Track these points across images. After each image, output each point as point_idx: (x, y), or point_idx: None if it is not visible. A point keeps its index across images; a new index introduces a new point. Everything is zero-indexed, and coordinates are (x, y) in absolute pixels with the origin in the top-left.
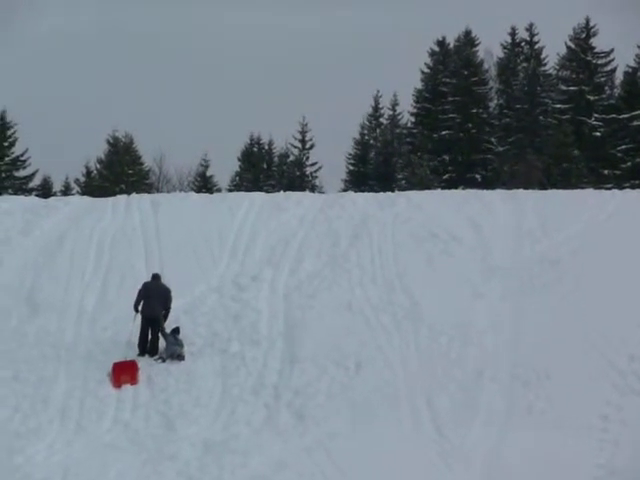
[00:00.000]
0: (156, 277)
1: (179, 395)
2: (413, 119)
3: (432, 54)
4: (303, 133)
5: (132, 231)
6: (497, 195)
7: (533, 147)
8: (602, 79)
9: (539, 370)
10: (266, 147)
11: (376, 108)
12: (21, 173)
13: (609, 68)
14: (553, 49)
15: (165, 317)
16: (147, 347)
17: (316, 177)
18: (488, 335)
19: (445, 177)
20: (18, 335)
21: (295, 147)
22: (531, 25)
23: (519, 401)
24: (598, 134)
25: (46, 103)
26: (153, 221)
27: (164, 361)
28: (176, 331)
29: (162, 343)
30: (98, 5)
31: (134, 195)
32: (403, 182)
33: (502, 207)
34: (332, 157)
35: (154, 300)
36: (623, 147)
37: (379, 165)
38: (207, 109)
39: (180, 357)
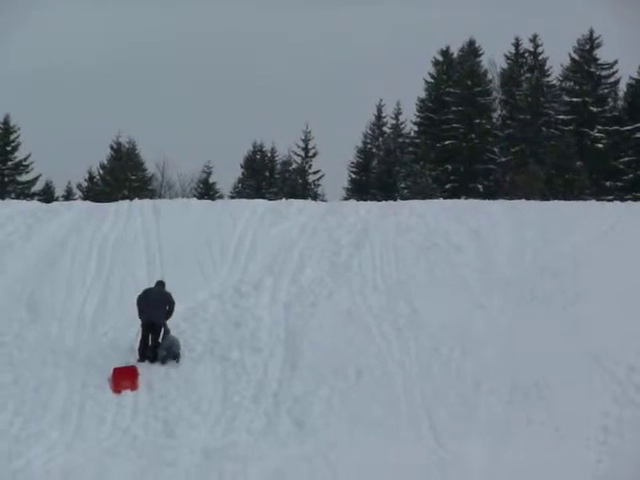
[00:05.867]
0: (160, 284)
1: (179, 401)
2: (416, 128)
3: (436, 64)
4: (306, 141)
5: (134, 237)
6: (499, 205)
7: (535, 158)
8: (605, 91)
9: (538, 381)
10: (269, 155)
11: (379, 117)
12: (23, 178)
13: (613, 80)
14: (557, 60)
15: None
16: (147, 353)
17: (318, 185)
18: (488, 345)
19: (447, 187)
20: (19, 340)
21: (298, 155)
22: (535, 36)
23: (518, 412)
24: (600, 146)
25: (50, 108)
26: (155, 227)
27: (164, 362)
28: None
29: None
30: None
31: (136, 201)
32: (405, 191)
33: (504, 217)
34: (334, 165)
35: (153, 306)
36: (625, 159)
37: (381, 174)
38: (211, 116)
39: (176, 357)
